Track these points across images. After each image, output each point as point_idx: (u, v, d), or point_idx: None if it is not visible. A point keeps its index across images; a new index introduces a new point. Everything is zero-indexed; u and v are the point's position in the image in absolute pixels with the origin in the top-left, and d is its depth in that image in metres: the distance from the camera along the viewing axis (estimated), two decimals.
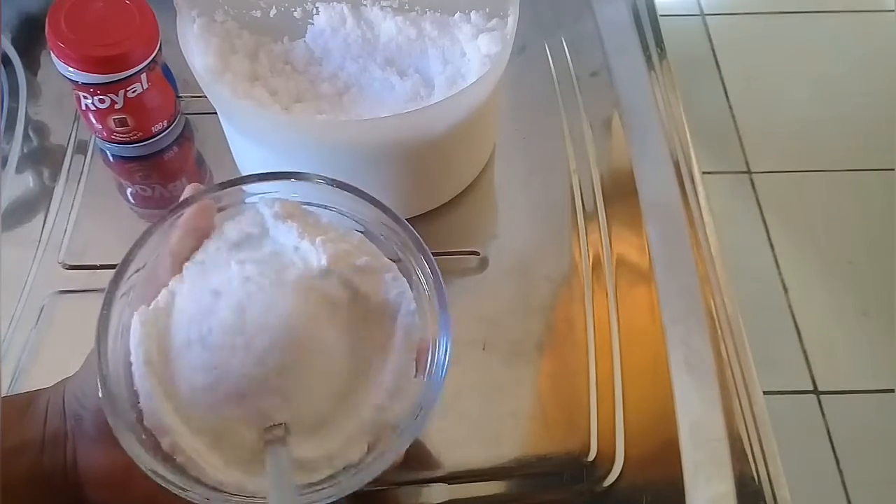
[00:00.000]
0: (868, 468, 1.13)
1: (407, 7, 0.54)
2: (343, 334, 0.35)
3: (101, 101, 0.52)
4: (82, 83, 0.51)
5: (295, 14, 0.55)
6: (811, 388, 1.20)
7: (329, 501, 0.32)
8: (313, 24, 0.55)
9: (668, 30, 0.65)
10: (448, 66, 0.52)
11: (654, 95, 0.61)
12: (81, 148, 0.58)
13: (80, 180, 0.56)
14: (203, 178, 0.58)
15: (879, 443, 1.15)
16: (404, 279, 0.36)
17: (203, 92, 0.48)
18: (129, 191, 0.57)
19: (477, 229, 0.55)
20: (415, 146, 0.49)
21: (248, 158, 0.54)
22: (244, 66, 0.52)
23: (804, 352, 1.23)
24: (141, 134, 0.56)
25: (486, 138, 0.56)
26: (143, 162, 0.57)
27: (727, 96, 1.53)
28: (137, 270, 0.35)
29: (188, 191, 0.37)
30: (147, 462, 0.31)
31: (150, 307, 0.34)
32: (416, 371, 0.35)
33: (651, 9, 0.66)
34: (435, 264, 0.36)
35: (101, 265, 0.52)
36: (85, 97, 0.52)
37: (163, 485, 0.31)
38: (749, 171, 1.43)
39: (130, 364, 0.33)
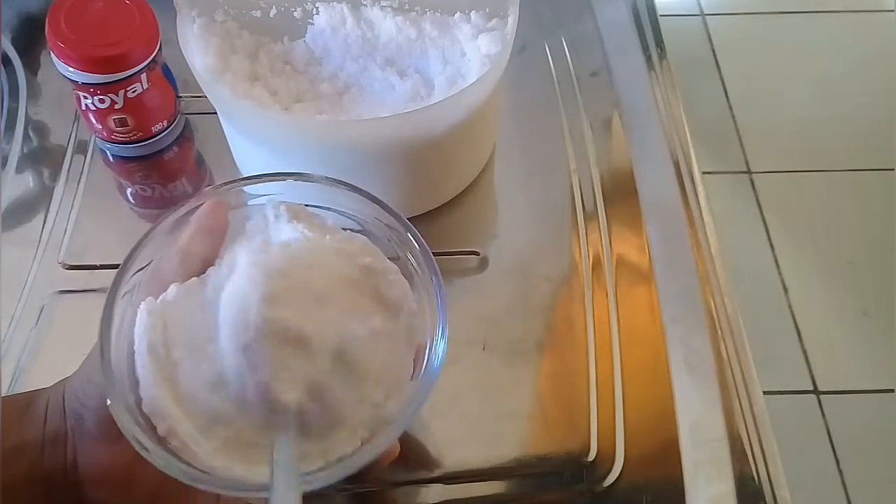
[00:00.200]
0: (868, 468, 1.13)
1: (407, 7, 0.54)
2: (350, 336, 0.35)
3: (101, 101, 0.52)
4: (82, 83, 0.51)
5: (295, 14, 0.55)
6: (811, 388, 1.20)
7: (319, 487, 0.32)
8: (313, 24, 0.55)
9: (668, 30, 0.65)
10: (448, 66, 0.52)
11: (654, 95, 0.61)
12: (81, 148, 0.58)
13: (80, 180, 0.56)
14: (203, 178, 0.58)
15: (879, 443, 1.15)
16: (406, 281, 0.37)
17: (203, 92, 0.48)
18: (129, 191, 0.57)
19: (477, 229, 0.55)
20: (415, 146, 0.49)
21: (248, 158, 0.54)
22: (244, 66, 0.52)
23: (804, 352, 1.23)
24: (141, 134, 0.56)
25: (486, 138, 0.56)
26: (143, 162, 0.57)
27: (727, 96, 1.53)
28: (142, 268, 0.35)
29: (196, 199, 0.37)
30: (137, 434, 0.31)
31: (158, 300, 0.35)
32: (414, 371, 0.35)
33: (651, 9, 0.66)
34: (435, 263, 0.36)
35: (101, 265, 0.52)
36: (85, 97, 0.52)
37: (146, 457, 0.31)
38: (749, 171, 1.43)
39: (133, 352, 0.33)
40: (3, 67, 0.61)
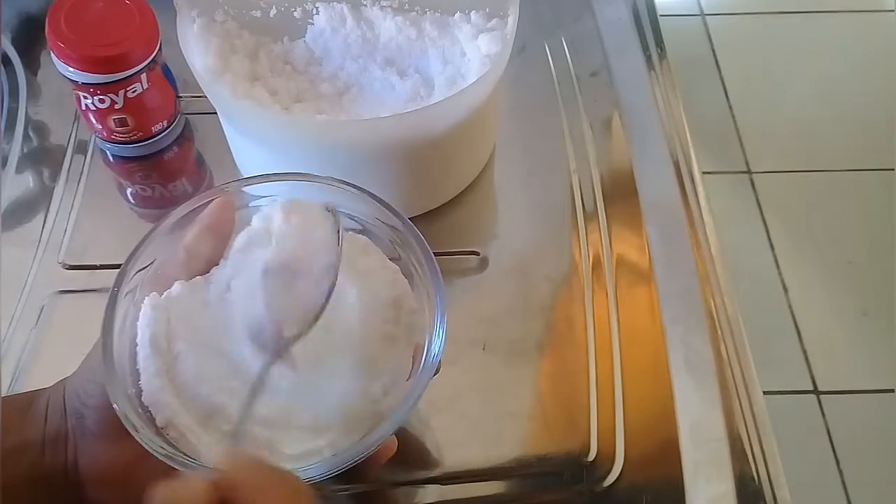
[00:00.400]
0: (868, 468, 1.13)
1: (407, 7, 0.54)
2: (348, 333, 0.35)
3: (101, 101, 0.52)
4: (82, 83, 0.51)
5: (295, 14, 0.55)
6: (811, 388, 1.20)
7: (315, 480, 0.32)
8: (313, 24, 0.55)
9: (668, 30, 0.65)
10: (448, 66, 0.52)
11: (654, 95, 0.61)
12: (81, 148, 0.58)
13: (80, 180, 0.56)
14: (203, 178, 0.58)
15: (879, 443, 1.15)
16: (406, 280, 0.37)
17: (203, 92, 0.48)
18: (129, 191, 0.57)
19: (477, 229, 0.55)
20: (415, 146, 0.49)
21: (248, 158, 0.54)
22: (244, 66, 0.52)
23: (804, 352, 1.23)
24: (141, 134, 0.56)
25: (486, 138, 0.56)
26: (143, 162, 0.57)
27: (727, 96, 1.53)
28: (144, 268, 0.36)
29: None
30: (130, 415, 0.32)
31: (163, 296, 0.35)
32: (412, 368, 0.36)
33: (651, 9, 0.66)
34: (435, 263, 0.36)
35: (101, 265, 0.52)
36: (85, 97, 0.52)
37: (136, 438, 0.32)
38: (749, 171, 1.43)
39: (135, 348, 0.34)
40: (3, 67, 0.61)
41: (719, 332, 0.50)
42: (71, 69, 0.50)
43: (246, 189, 0.38)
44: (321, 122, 0.49)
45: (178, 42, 0.48)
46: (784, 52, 1.58)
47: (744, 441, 0.46)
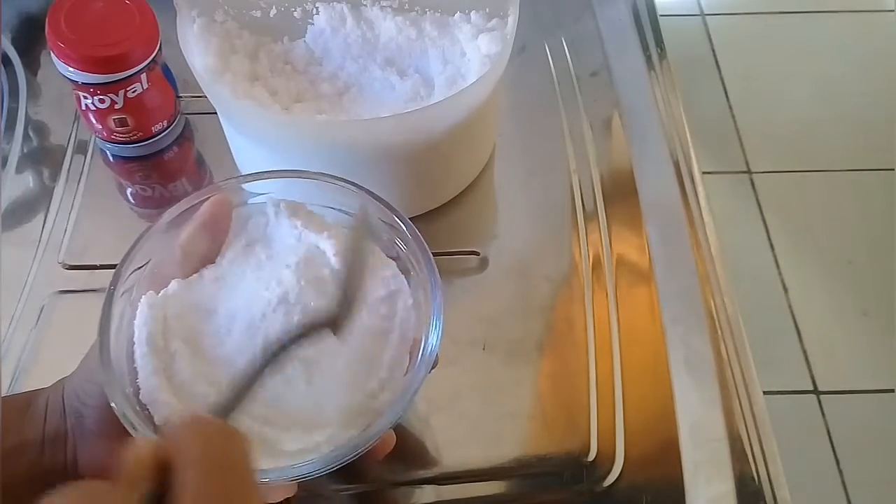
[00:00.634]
0: (868, 468, 1.13)
1: (407, 7, 0.54)
2: (345, 330, 0.35)
3: (101, 101, 0.52)
4: (82, 83, 0.51)
5: (295, 14, 0.55)
6: (811, 388, 1.20)
7: (312, 476, 0.32)
8: (313, 24, 0.55)
9: (668, 30, 0.65)
10: (448, 66, 0.52)
11: (654, 95, 0.61)
12: (81, 148, 0.58)
13: (80, 180, 0.56)
14: (203, 178, 0.58)
15: (879, 443, 1.15)
16: (403, 277, 0.37)
17: (203, 92, 0.48)
18: (129, 191, 0.57)
19: (477, 229, 0.55)
20: (415, 146, 0.49)
21: (248, 158, 0.54)
22: (244, 66, 0.52)
23: (804, 352, 1.23)
24: (141, 134, 0.56)
25: (486, 138, 0.56)
26: (143, 162, 0.57)
27: (727, 96, 1.53)
28: (140, 267, 0.36)
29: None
30: (128, 414, 0.32)
31: (160, 294, 0.35)
32: (409, 365, 0.36)
33: (651, 9, 0.66)
34: (432, 259, 0.36)
35: (101, 265, 0.52)
36: (85, 97, 0.52)
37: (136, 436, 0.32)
38: (749, 171, 1.43)
39: (132, 347, 0.34)
40: (3, 67, 0.61)
41: (719, 332, 0.50)
42: (71, 69, 0.50)
43: (244, 186, 0.38)
44: (321, 122, 0.49)
45: (178, 42, 0.48)
46: (784, 52, 1.58)
47: (744, 441, 0.46)
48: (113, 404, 0.32)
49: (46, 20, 0.50)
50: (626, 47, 0.64)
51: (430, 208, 0.55)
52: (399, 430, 0.34)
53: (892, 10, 1.65)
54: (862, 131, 1.47)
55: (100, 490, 0.23)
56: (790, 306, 1.27)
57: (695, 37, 1.61)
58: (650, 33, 0.64)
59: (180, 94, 0.57)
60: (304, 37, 0.55)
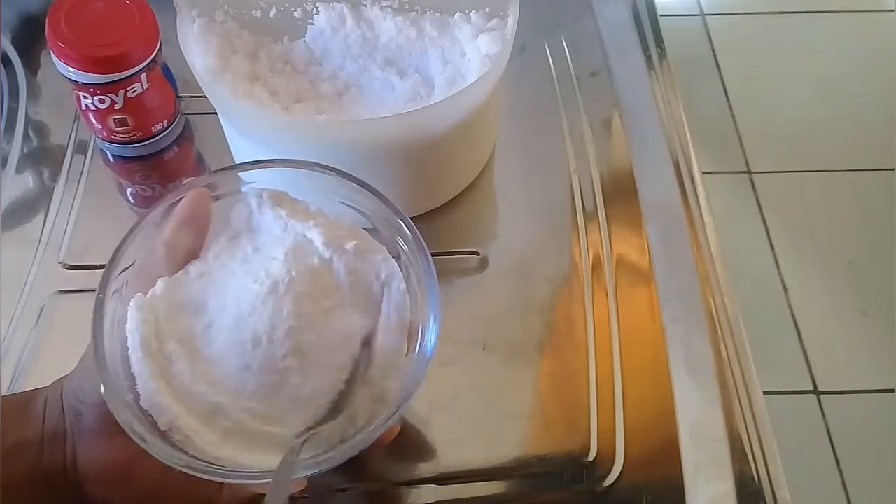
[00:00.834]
0: (868, 468, 1.13)
1: (407, 7, 0.54)
2: (341, 318, 0.35)
3: (101, 101, 0.52)
4: (82, 83, 0.51)
5: (295, 14, 0.55)
6: (811, 388, 1.20)
7: (325, 469, 0.32)
8: (313, 24, 0.55)
9: (668, 30, 0.65)
10: (448, 66, 0.52)
11: (654, 95, 0.61)
12: (81, 148, 0.58)
13: (80, 180, 0.56)
14: None
15: (879, 443, 1.15)
16: (394, 261, 0.37)
17: (203, 92, 0.48)
18: (129, 191, 0.57)
19: (477, 229, 0.55)
20: (415, 146, 0.49)
21: (248, 158, 0.54)
22: (244, 66, 0.52)
23: (804, 352, 1.23)
24: (141, 134, 0.56)
25: (486, 138, 0.56)
26: (143, 162, 0.57)
27: (727, 96, 1.53)
28: (128, 267, 0.35)
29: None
30: (135, 426, 0.32)
31: (147, 295, 0.35)
32: (408, 349, 0.36)
33: (651, 9, 0.66)
34: (424, 245, 0.36)
35: (101, 265, 0.51)
36: (85, 97, 0.52)
37: (145, 448, 0.31)
38: (749, 171, 1.43)
39: (127, 350, 0.34)
40: (3, 67, 0.61)
41: (719, 332, 0.50)
42: (71, 69, 0.50)
43: (226, 178, 0.38)
44: (321, 122, 0.49)
45: (178, 42, 0.48)
46: (784, 52, 1.58)
47: (744, 441, 0.46)
48: (118, 418, 0.32)
49: (46, 20, 0.50)
50: (626, 47, 0.64)
51: (430, 208, 0.55)
52: (401, 422, 0.34)
53: (892, 10, 1.65)
54: (862, 131, 1.47)
55: None
56: (790, 306, 1.28)
57: (695, 37, 1.61)
58: (650, 33, 0.64)
59: (180, 94, 0.57)
60: (304, 37, 0.55)
